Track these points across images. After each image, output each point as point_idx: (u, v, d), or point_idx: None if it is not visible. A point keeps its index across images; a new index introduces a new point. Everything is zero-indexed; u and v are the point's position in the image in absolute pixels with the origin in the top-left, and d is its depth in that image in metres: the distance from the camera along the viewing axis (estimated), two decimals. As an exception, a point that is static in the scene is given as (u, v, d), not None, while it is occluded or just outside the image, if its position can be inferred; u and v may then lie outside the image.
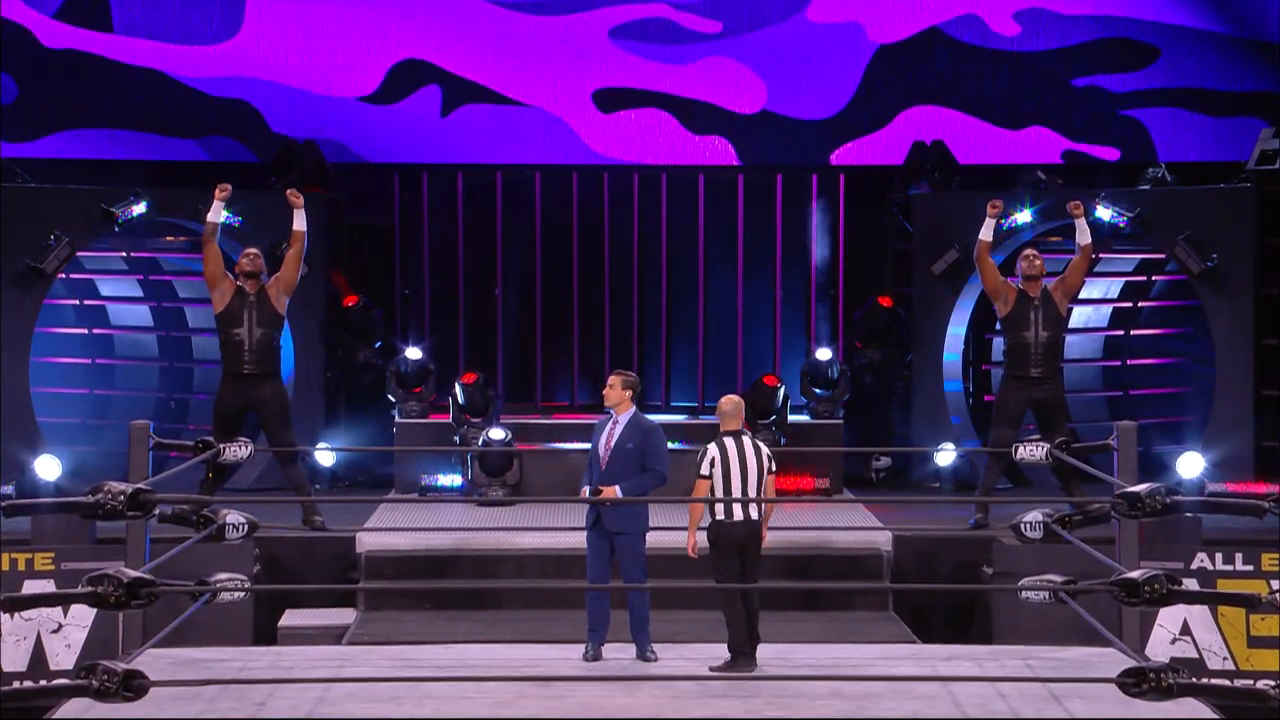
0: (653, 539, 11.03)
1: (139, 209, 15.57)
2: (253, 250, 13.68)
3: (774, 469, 10.87)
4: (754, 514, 10.71)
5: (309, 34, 17.83)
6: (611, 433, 10.86)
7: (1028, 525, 11.86)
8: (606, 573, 10.89)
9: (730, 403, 10.86)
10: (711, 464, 10.68)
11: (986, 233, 13.73)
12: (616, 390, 10.87)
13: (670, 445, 11.16)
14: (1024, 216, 16.08)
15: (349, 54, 17.80)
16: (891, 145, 17.79)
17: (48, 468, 13.17)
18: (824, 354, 16.59)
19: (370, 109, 17.81)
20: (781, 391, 15.92)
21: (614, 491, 10.71)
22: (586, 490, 10.82)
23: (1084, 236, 13.73)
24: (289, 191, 13.68)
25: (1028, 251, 13.84)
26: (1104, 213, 15.68)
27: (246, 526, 11.43)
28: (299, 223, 13.52)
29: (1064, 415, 13.75)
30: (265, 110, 17.72)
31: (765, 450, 10.85)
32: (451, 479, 15.53)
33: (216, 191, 13.40)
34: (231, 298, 13.42)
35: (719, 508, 10.64)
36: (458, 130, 17.89)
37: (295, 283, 13.66)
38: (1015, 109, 17.88)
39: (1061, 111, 17.87)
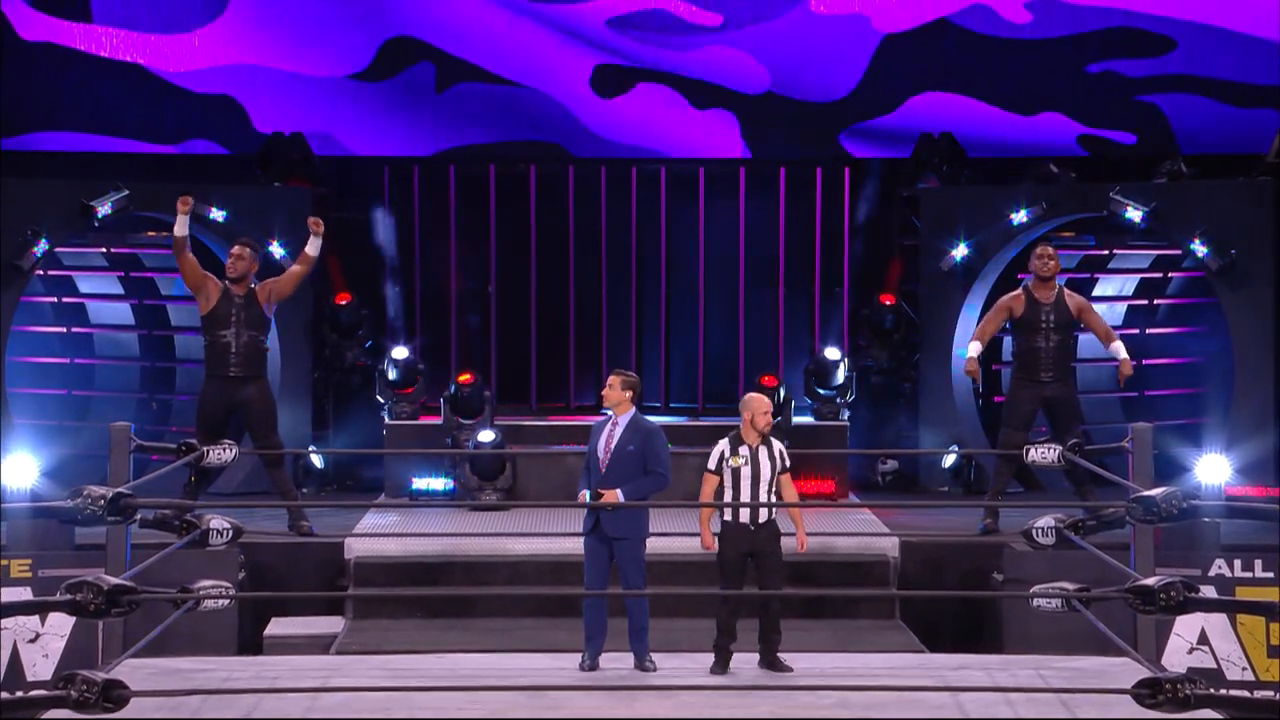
0: (652, 545, 11.03)
1: (120, 198, 15.52)
2: (239, 249, 13.54)
3: (787, 466, 10.91)
4: (763, 518, 10.77)
5: (296, 11, 17.84)
6: (611, 435, 10.84)
7: (1039, 530, 11.85)
8: (605, 579, 10.89)
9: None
10: (720, 459, 10.80)
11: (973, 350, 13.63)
12: (616, 390, 10.87)
13: (674, 447, 11.19)
14: (1019, 216, 16.12)
15: (338, 30, 17.81)
16: (898, 136, 17.79)
17: (20, 470, 13.12)
18: (832, 353, 16.59)
19: (361, 86, 17.81)
20: (783, 392, 15.92)
21: (615, 495, 10.71)
22: (586, 495, 10.81)
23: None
24: (311, 220, 13.57)
25: (1042, 250, 13.62)
26: (1134, 214, 15.67)
27: (231, 532, 11.42)
28: (313, 248, 13.45)
29: (1076, 415, 13.73)
30: (250, 100, 17.71)
31: (778, 448, 10.90)
32: (441, 483, 15.53)
33: (179, 205, 13.24)
34: (218, 300, 13.34)
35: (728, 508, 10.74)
36: (451, 109, 17.90)
37: (288, 296, 13.62)
38: (1028, 96, 17.88)
39: (1076, 97, 17.87)
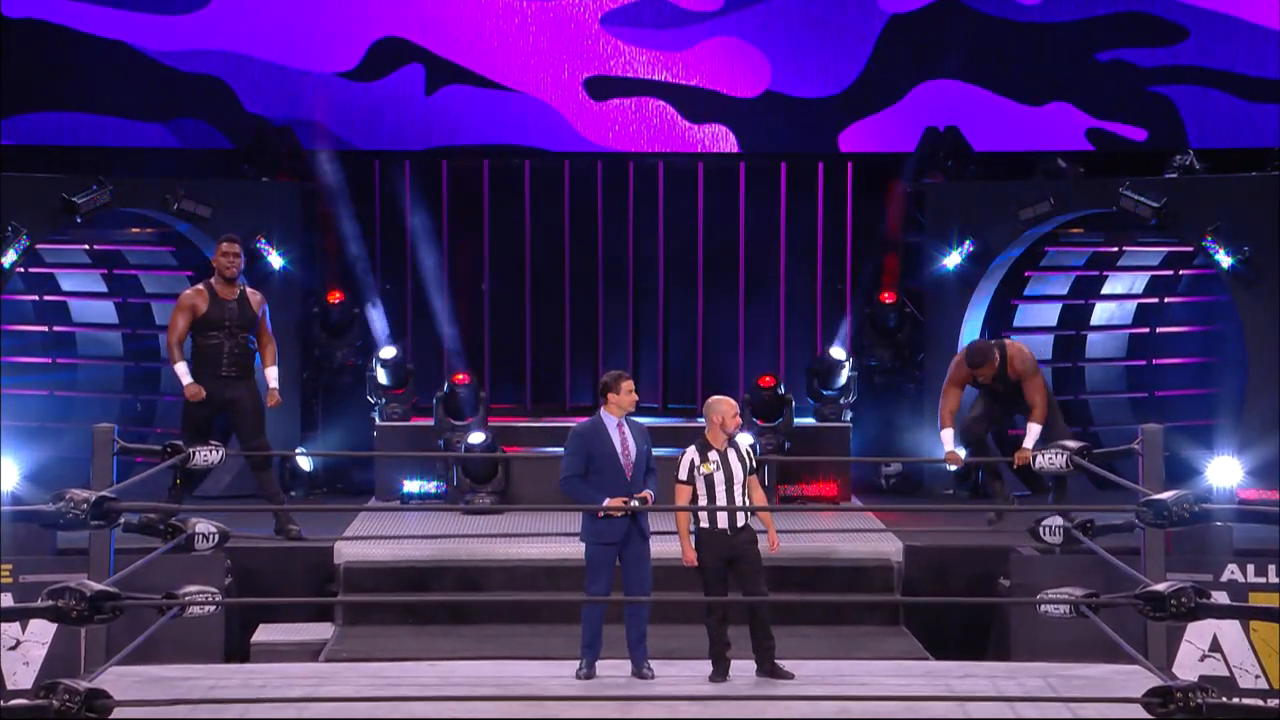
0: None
1: (102, 199, 15.52)
2: (234, 247, 13.38)
3: (754, 467, 10.91)
4: (740, 523, 10.78)
5: (285, 4, 17.83)
6: (624, 438, 10.85)
7: (1047, 529, 11.85)
8: (611, 586, 10.91)
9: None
10: (691, 468, 10.81)
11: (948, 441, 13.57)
12: (634, 393, 10.95)
13: (667, 450, 11.22)
14: (1030, 212, 16.13)
15: (327, 27, 17.80)
16: (903, 128, 17.76)
17: (1, 472, 13.13)
18: (838, 353, 16.59)
19: (350, 85, 17.80)
20: (781, 393, 15.90)
21: (650, 496, 10.82)
22: (632, 501, 10.75)
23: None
24: (273, 396, 13.41)
25: (981, 372, 13.53)
26: (1145, 210, 15.65)
27: (217, 536, 11.40)
28: (272, 380, 13.40)
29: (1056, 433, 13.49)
30: (238, 87, 17.70)
31: (745, 448, 10.91)
32: (430, 485, 15.55)
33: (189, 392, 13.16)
34: (208, 308, 13.23)
35: (704, 514, 10.74)
36: (442, 112, 17.88)
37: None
38: (1036, 85, 17.85)
39: (1086, 87, 17.84)
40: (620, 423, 10.88)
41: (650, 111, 17.93)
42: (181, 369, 13.14)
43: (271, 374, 13.43)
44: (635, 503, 10.72)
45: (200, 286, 13.39)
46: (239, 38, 17.74)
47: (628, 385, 10.89)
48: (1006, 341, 13.93)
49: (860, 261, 17.81)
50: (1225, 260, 15.46)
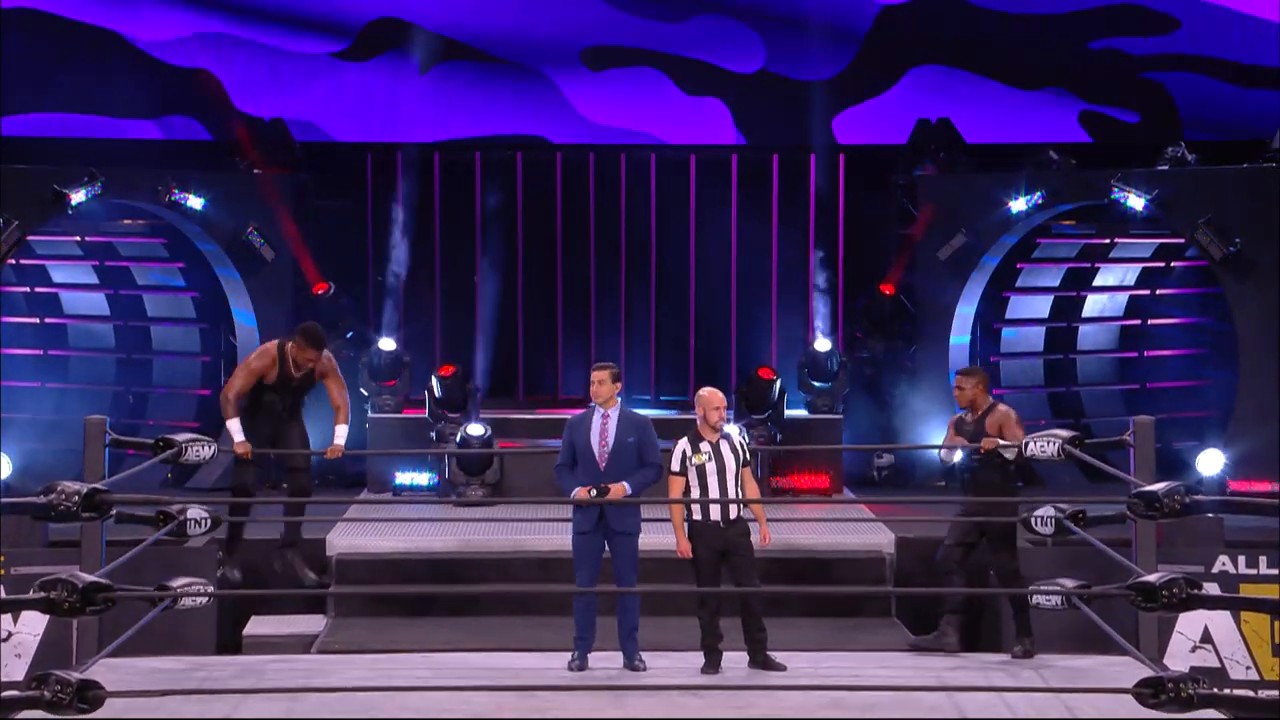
0: (642, 541, 11.03)
1: (94, 191, 15.50)
2: (329, 354, 12.60)
3: (747, 459, 10.92)
4: (733, 515, 10.79)
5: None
6: (605, 428, 10.83)
7: (1038, 520, 11.84)
8: (597, 577, 10.90)
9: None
10: (683, 459, 10.80)
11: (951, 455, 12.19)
12: (607, 385, 10.87)
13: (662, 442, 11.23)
14: (1019, 205, 16.12)
15: (321, 19, 17.78)
16: (896, 115, 17.76)
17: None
18: (823, 345, 16.61)
19: (343, 76, 17.80)
20: (778, 385, 15.92)
21: (623, 489, 10.75)
22: (592, 491, 10.74)
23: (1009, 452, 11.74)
24: (336, 453, 12.54)
25: (956, 380, 12.10)
26: (1136, 203, 15.66)
27: (209, 522, 11.38)
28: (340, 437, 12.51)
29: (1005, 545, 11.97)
30: (229, 80, 17.68)
31: (737, 439, 10.92)
32: (421, 478, 15.56)
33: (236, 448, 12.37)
34: (275, 379, 12.36)
35: (696, 506, 10.74)
36: (436, 89, 17.87)
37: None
38: (1028, 71, 17.86)
39: (1078, 73, 17.85)
40: (606, 413, 10.88)
41: (646, 83, 17.91)
42: (234, 426, 12.22)
43: (339, 431, 12.50)
44: (593, 493, 10.70)
45: (274, 353, 12.41)
46: (232, 30, 17.72)
47: (595, 377, 10.87)
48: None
49: (852, 253, 17.82)
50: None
